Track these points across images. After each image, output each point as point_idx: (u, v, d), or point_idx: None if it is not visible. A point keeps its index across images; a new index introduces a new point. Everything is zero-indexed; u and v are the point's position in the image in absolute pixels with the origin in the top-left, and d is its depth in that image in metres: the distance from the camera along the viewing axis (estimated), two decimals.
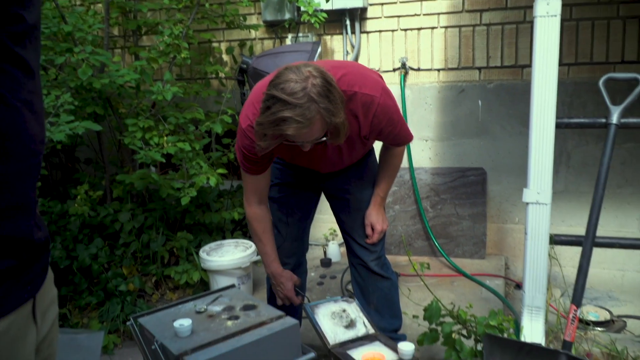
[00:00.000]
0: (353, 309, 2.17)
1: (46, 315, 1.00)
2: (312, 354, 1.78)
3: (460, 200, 3.37)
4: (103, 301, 2.94)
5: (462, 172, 3.36)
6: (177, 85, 2.91)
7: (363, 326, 2.17)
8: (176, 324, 1.71)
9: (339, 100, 1.63)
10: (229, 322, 1.78)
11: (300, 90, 1.54)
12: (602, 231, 3.08)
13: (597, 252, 3.20)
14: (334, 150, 1.96)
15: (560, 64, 3.07)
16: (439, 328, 2.19)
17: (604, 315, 2.99)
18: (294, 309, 2.23)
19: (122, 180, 3.03)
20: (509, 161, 3.29)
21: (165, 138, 2.83)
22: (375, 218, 2.15)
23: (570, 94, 3.08)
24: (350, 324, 2.15)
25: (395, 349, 1.91)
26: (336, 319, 2.17)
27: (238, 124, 1.90)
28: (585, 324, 2.74)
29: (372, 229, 2.16)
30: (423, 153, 3.44)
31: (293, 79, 1.56)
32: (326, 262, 3.41)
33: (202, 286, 3.08)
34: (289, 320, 1.80)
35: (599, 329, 2.80)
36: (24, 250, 0.89)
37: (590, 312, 3.02)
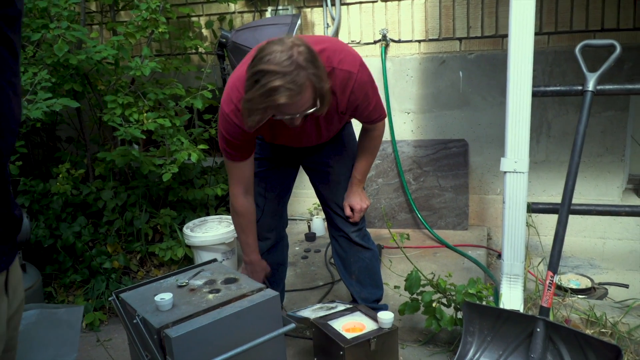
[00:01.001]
0: (337, 306, 2.20)
1: (16, 292, 1.04)
2: (292, 325, 1.81)
3: (443, 172, 3.39)
4: (88, 279, 2.94)
5: (444, 144, 3.37)
6: (156, 61, 2.87)
7: (343, 305, 2.20)
8: (157, 298, 1.73)
9: (324, 68, 1.64)
10: (210, 296, 1.80)
11: (287, 58, 1.54)
12: (582, 200, 3.13)
13: (577, 220, 3.26)
14: (312, 126, 1.95)
15: (540, 32, 3.08)
16: (420, 297, 2.23)
17: (585, 283, 3.04)
18: None
19: (104, 158, 3.00)
20: (490, 132, 3.30)
21: (145, 114, 2.80)
22: (353, 199, 2.16)
23: (551, 63, 3.07)
24: (331, 309, 2.18)
25: (375, 319, 1.95)
26: (318, 311, 2.20)
27: (219, 110, 1.88)
28: (565, 291, 2.79)
29: (352, 210, 2.17)
30: (405, 126, 3.44)
31: (278, 50, 1.55)
32: (310, 237, 3.43)
33: (186, 262, 3.09)
34: (270, 292, 1.82)
35: (580, 296, 2.85)
36: (4, 224, 0.94)
37: (572, 280, 3.07)
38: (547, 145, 3.23)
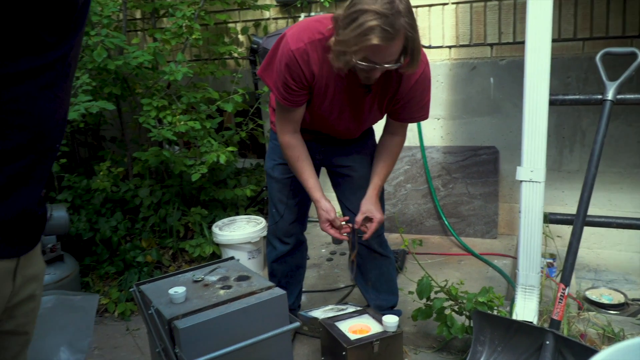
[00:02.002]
0: (348, 308, 2.23)
1: (28, 284, 1.09)
2: (297, 323, 1.87)
3: (472, 179, 3.36)
4: (122, 271, 3.10)
5: (473, 150, 3.35)
6: (189, 66, 3.00)
7: (354, 307, 2.23)
8: (171, 291, 1.82)
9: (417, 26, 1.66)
10: (222, 291, 1.88)
11: (388, 2, 1.56)
12: (618, 212, 3.04)
13: (613, 233, 3.16)
14: (361, 105, 1.96)
15: (575, 38, 3.03)
16: (432, 304, 2.24)
17: (618, 298, 2.94)
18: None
19: (140, 158, 3.16)
20: (521, 139, 3.24)
21: (177, 117, 2.94)
22: (375, 209, 2.03)
23: (585, 69, 3.00)
24: (341, 310, 2.21)
25: (382, 322, 1.98)
26: (328, 312, 2.24)
27: (282, 47, 1.80)
28: (597, 306, 2.72)
29: (369, 219, 2.05)
30: (434, 132, 3.44)
31: None
32: (337, 240, 3.47)
33: (214, 259, 3.19)
34: (277, 291, 1.88)
35: (612, 312, 2.78)
36: (26, 219, 1.02)
37: (604, 295, 2.98)
38: (580, 154, 3.15)
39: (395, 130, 2.07)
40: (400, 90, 1.89)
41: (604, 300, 2.90)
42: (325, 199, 2.01)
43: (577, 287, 3.00)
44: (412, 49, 1.65)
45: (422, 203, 3.49)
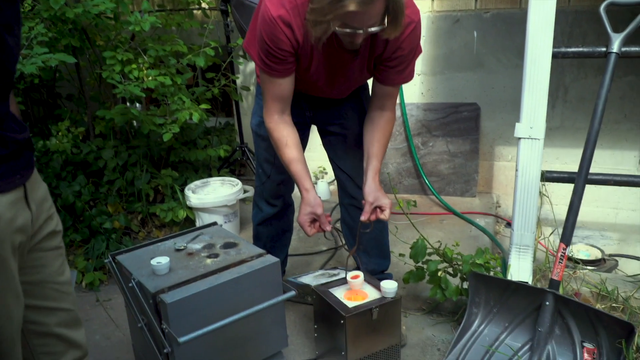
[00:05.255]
0: (340, 273, 2.13)
1: (42, 206, 1.16)
2: (292, 292, 1.75)
3: (453, 137, 3.28)
4: (88, 239, 2.90)
5: (455, 107, 3.25)
6: (156, 16, 2.74)
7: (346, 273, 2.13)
8: (153, 261, 1.68)
9: None
10: (208, 260, 1.75)
11: None
12: (597, 168, 3.01)
13: (591, 190, 3.16)
14: (351, 66, 1.80)
15: None
16: (425, 266, 2.16)
17: (595, 254, 2.96)
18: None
19: (104, 116, 2.92)
20: (504, 96, 3.17)
21: (145, 72, 2.70)
22: (382, 195, 1.81)
23: (571, 23, 2.92)
24: (333, 276, 2.11)
25: (378, 287, 1.89)
26: (319, 278, 2.13)
27: (262, 15, 1.65)
28: (575, 262, 2.72)
29: (381, 209, 1.83)
30: (415, 88, 3.32)
31: None
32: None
33: (188, 224, 3.04)
34: (269, 258, 1.76)
35: (589, 267, 2.78)
36: (10, 144, 1.05)
37: (581, 251, 3.00)
38: (562, 110, 3.10)
39: (384, 104, 1.89)
40: (388, 48, 1.74)
41: (581, 256, 2.91)
42: (315, 191, 1.84)
43: (552, 244, 3.00)
44: (394, 9, 1.49)
45: (402, 162, 3.39)
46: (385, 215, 1.80)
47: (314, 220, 1.82)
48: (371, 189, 1.82)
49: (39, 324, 1.20)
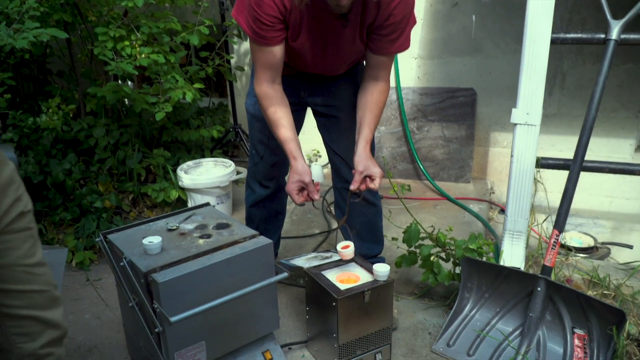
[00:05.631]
0: (332, 256, 2.13)
1: (7, 190, 1.12)
2: (285, 274, 1.76)
3: (448, 122, 3.28)
4: (78, 217, 2.88)
5: (451, 92, 3.24)
6: None
7: (339, 256, 2.13)
8: (145, 241, 1.68)
9: None
10: (201, 241, 1.75)
11: None
12: (592, 156, 3.02)
13: (585, 177, 3.14)
14: (336, 44, 1.78)
15: None
16: (418, 251, 2.17)
17: (587, 242, 2.98)
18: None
19: (95, 94, 2.89)
20: (500, 81, 3.17)
21: (137, 49, 2.66)
22: (372, 165, 1.79)
23: (570, 9, 2.90)
24: (326, 259, 2.11)
25: (370, 270, 1.89)
26: (312, 260, 2.13)
27: None
28: (567, 249, 2.74)
29: (371, 179, 1.82)
30: (411, 72, 3.30)
31: None
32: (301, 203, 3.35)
33: (180, 205, 3.03)
34: (262, 240, 1.76)
35: (581, 255, 2.81)
36: None
37: (574, 238, 3.02)
38: (559, 97, 3.10)
39: (378, 75, 1.87)
40: (379, 19, 1.71)
41: (574, 244, 2.93)
42: (304, 160, 1.82)
43: (545, 231, 3.02)
44: None
45: (396, 146, 3.39)
46: (375, 185, 1.78)
47: (302, 189, 1.81)
48: (361, 158, 1.79)
49: (9, 306, 1.18)
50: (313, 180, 1.81)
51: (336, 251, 2.24)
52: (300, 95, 2.02)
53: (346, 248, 1.94)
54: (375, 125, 1.86)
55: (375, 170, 1.78)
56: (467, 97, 3.22)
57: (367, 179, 1.80)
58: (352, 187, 1.79)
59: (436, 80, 3.29)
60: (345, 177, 2.10)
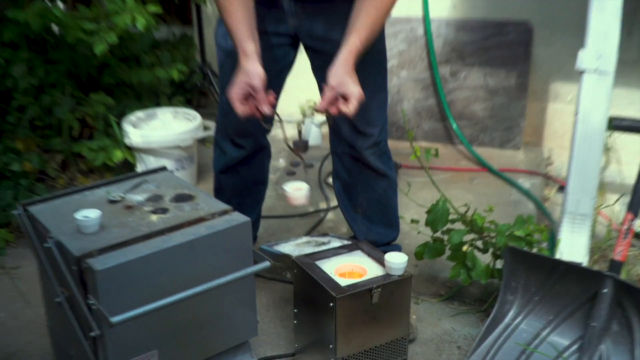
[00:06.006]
0: (331, 241, 2.15)
1: None
2: (266, 263, 1.78)
3: (493, 67, 3.31)
4: None
5: (498, 27, 3.27)
6: None
7: (339, 241, 2.16)
8: (79, 215, 1.70)
9: None
10: (154, 217, 1.78)
11: None
12: None
13: None
14: None
15: None
16: (446, 237, 2.20)
17: None
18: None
19: (15, 19, 2.90)
20: (567, 14, 3.18)
21: None
22: (351, 81, 1.77)
23: None
24: (322, 245, 2.14)
25: (381, 262, 1.92)
26: (303, 246, 2.15)
27: None
28: None
29: (345, 99, 1.81)
30: None
31: None
32: (300, 146, 3.37)
33: (126, 169, 3.07)
34: (237, 217, 1.78)
35: None
36: None
37: None
38: None
39: None
40: None
41: None
42: (259, 59, 1.82)
43: (617, 216, 3.05)
44: None
45: (422, 98, 3.42)
46: (349, 109, 1.77)
47: (249, 96, 1.82)
48: (337, 71, 1.77)
49: None
50: (268, 91, 1.81)
51: (336, 235, 2.27)
52: (288, 22, 2.02)
53: (298, 190, 1.95)
54: (368, 33, 1.82)
55: (352, 89, 1.75)
56: (519, 33, 3.24)
57: (340, 100, 1.78)
58: (319, 107, 1.79)
59: (478, 10, 3.32)
60: (347, 139, 2.12)
